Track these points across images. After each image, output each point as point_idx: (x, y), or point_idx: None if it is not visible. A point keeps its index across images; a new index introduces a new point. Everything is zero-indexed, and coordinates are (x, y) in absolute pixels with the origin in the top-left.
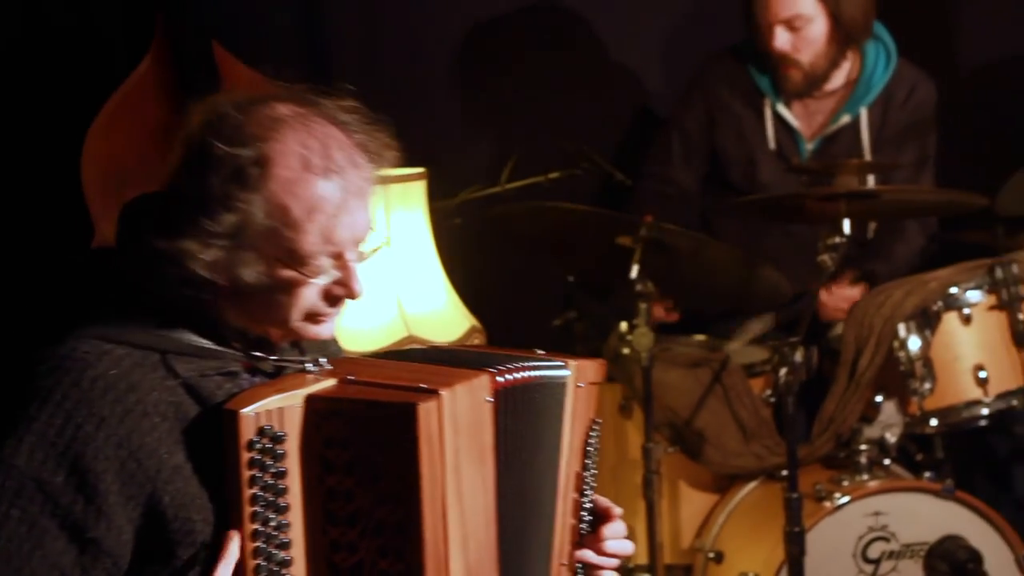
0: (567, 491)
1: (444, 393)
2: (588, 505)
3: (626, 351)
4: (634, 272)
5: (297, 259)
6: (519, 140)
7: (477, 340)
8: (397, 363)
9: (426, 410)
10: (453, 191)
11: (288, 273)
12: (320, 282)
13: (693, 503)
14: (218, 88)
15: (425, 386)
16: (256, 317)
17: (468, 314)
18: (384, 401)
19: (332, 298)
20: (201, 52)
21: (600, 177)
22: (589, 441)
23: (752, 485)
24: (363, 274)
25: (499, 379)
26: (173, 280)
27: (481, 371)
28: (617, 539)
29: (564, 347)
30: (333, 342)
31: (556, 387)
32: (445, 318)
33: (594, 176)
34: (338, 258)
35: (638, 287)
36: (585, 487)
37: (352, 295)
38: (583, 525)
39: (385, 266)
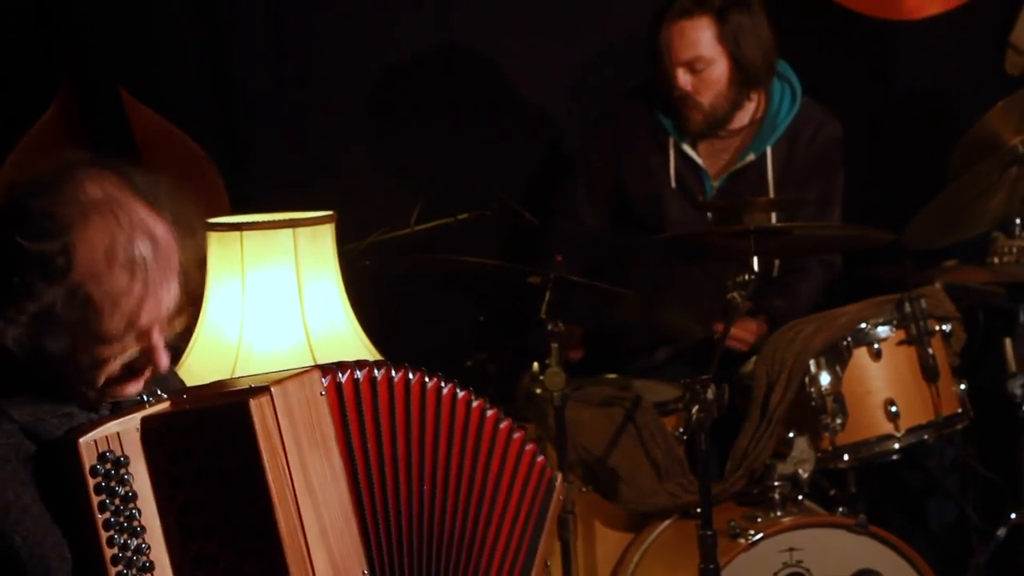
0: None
1: (274, 389)
2: None
3: (539, 391)
4: (543, 311)
5: (101, 340)
6: (428, 181)
7: None
8: (232, 380)
9: (258, 404)
10: (362, 233)
11: (93, 350)
12: (124, 357)
13: (608, 542)
14: (127, 132)
15: (254, 386)
16: (65, 382)
17: (379, 357)
18: (216, 405)
19: (136, 370)
20: (108, 97)
21: (510, 217)
22: None
23: (666, 523)
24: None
25: (340, 376)
26: None
27: (312, 369)
28: None
29: (476, 388)
30: (173, 375)
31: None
32: None
33: (504, 216)
34: (143, 337)
35: (549, 326)
36: None
37: (157, 368)
38: None
39: (295, 310)
